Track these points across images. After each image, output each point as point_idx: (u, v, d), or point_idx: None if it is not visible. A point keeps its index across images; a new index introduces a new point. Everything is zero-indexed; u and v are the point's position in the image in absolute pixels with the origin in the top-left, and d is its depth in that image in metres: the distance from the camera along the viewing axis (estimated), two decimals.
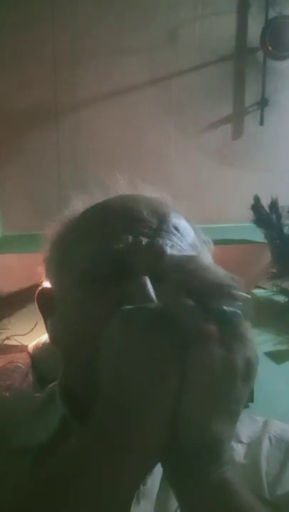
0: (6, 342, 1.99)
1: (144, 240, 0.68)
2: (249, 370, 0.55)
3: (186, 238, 0.71)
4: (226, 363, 0.53)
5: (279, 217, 2.18)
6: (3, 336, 2.01)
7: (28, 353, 1.83)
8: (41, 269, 0.79)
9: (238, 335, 0.55)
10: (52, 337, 0.76)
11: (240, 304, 0.56)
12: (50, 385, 0.79)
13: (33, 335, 1.90)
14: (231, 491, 0.54)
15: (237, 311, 0.55)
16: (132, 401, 0.53)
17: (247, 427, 0.70)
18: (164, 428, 0.53)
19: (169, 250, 0.68)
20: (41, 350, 1.79)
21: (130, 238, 0.68)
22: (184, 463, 0.55)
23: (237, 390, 0.55)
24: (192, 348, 0.53)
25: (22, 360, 1.73)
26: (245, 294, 0.56)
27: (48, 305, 0.75)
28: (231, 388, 0.54)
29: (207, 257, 0.76)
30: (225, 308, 0.55)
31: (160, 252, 0.67)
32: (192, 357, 0.53)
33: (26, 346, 1.88)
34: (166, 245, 0.68)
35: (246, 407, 0.60)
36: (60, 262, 0.75)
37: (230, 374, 0.54)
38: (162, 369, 0.53)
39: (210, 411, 0.54)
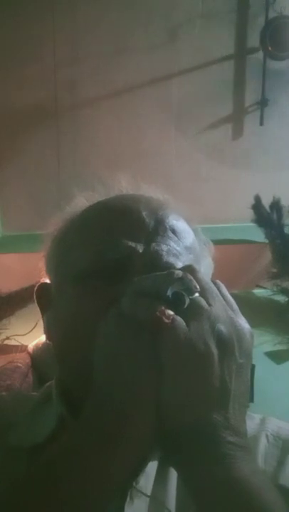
0: (6, 342, 1.99)
1: (141, 244, 0.68)
2: (226, 344, 0.55)
3: (184, 241, 0.71)
4: (186, 342, 0.54)
5: (280, 217, 2.18)
6: (3, 336, 2.01)
7: (28, 353, 1.83)
8: (41, 265, 0.79)
9: (193, 313, 0.56)
10: (47, 332, 0.76)
11: (184, 285, 0.57)
12: (46, 384, 0.79)
13: (33, 335, 1.90)
14: (238, 480, 0.53)
15: (179, 291, 0.57)
16: (119, 392, 0.55)
17: None
18: (151, 416, 0.54)
19: (164, 254, 0.68)
20: (41, 350, 1.78)
21: (128, 240, 0.68)
22: (181, 453, 0.55)
23: (214, 367, 0.54)
24: (157, 336, 0.55)
25: (22, 360, 1.73)
26: (177, 271, 0.58)
27: (46, 300, 0.76)
28: (205, 366, 0.54)
29: (206, 259, 0.76)
30: (168, 293, 0.57)
31: (155, 256, 0.68)
32: (159, 344, 0.54)
33: (26, 346, 1.88)
34: (162, 250, 0.68)
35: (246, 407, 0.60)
36: (58, 259, 0.75)
37: (195, 352, 0.54)
38: (144, 360, 0.55)
39: (187, 393, 0.54)
